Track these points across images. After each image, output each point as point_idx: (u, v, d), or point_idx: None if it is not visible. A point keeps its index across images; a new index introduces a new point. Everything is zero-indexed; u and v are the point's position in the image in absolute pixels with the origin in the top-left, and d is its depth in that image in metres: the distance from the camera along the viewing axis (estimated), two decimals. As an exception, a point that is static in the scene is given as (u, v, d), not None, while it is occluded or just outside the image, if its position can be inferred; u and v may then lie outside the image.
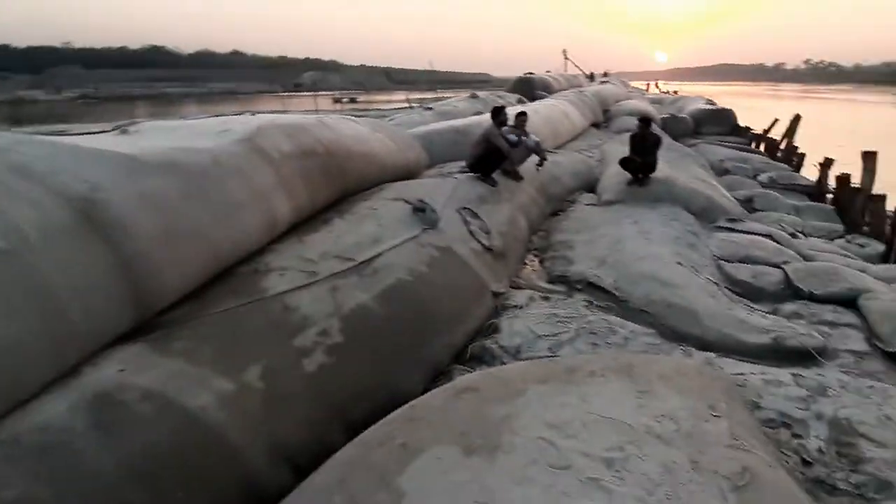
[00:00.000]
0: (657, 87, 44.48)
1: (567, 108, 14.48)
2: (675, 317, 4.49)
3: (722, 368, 3.82)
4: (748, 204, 9.45)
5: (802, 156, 14.59)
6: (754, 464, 2.44)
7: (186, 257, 3.04)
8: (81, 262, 2.51)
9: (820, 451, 3.01)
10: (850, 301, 4.89)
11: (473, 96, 15.50)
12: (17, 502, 1.91)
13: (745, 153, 14.83)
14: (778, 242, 6.64)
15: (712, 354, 4.03)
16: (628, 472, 2.31)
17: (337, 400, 3.03)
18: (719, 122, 18.75)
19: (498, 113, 6.99)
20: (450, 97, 19.04)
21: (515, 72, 23.45)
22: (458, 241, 4.93)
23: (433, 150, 7.94)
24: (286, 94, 74.55)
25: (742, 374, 3.74)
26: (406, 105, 22.34)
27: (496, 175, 6.72)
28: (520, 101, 15.13)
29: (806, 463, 2.93)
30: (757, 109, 30.95)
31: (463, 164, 6.94)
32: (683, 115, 18.92)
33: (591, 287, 5.11)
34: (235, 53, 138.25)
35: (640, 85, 43.04)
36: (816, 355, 4.05)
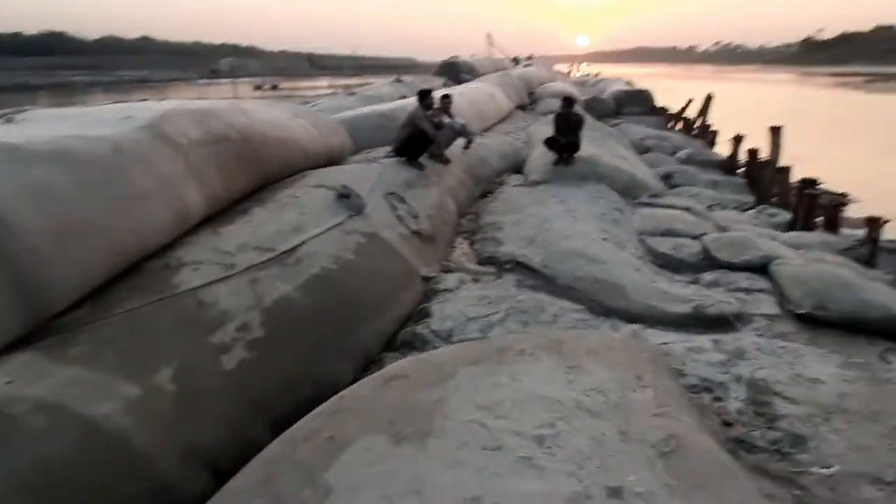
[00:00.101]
0: (579, 69, 45.54)
1: (493, 91, 14.54)
2: (602, 291, 4.57)
3: (648, 339, 3.92)
4: (668, 180, 9.82)
5: (715, 133, 15.30)
6: (679, 430, 2.49)
7: (84, 254, 2.79)
8: (-45, 265, 2.24)
9: (739, 411, 3.13)
10: (762, 268, 5.14)
11: (398, 80, 15.31)
12: None
13: (663, 132, 15.43)
14: (696, 215, 6.92)
15: (638, 326, 4.14)
16: (559, 447, 2.30)
17: (260, 396, 2.88)
18: (639, 103, 19.41)
19: (424, 96, 6.89)
20: (376, 83, 18.73)
21: (441, 56, 23.32)
22: (385, 227, 4.82)
23: (358, 135, 7.75)
24: (203, 81, 71.18)
25: (666, 343, 3.85)
26: (331, 91, 21.82)
27: (423, 159, 6.63)
28: (445, 85, 15.05)
29: (727, 424, 3.03)
30: (673, 90, 32.26)
31: (389, 148, 6.80)
32: (605, 97, 19.46)
33: (521, 267, 5.13)
34: (145, 39, 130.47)
35: (564, 68, 43.90)
36: (734, 321, 4.23)
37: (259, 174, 4.70)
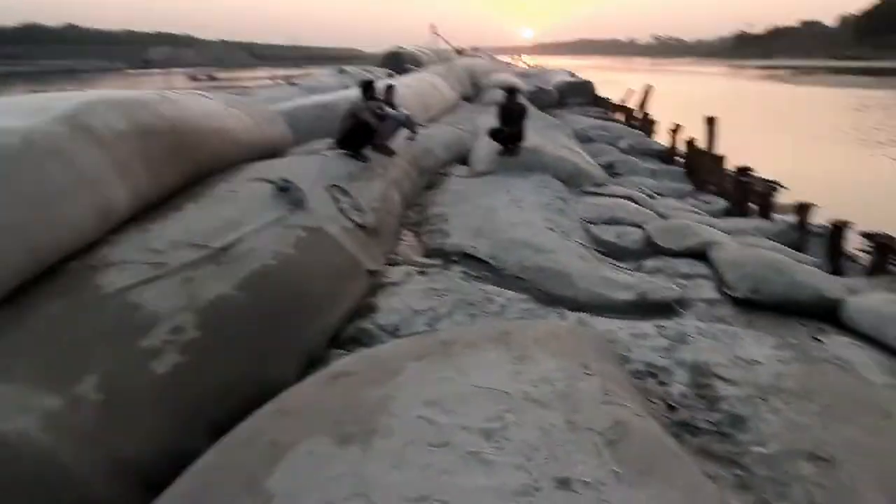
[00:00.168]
0: (523, 61, 45.97)
1: (437, 82, 14.45)
2: (549, 281, 4.59)
3: (594, 327, 3.96)
4: (610, 169, 10.01)
5: (654, 122, 15.71)
6: (625, 416, 2.50)
7: (-8, 255, 2.56)
8: None
9: (683, 395, 3.19)
10: (701, 254, 5.29)
11: (341, 71, 15.00)
12: None
13: (605, 122, 15.74)
14: (638, 204, 7.07)
15: (584, 314, 4.17)
16: (507, 440, 2.27)
17: (196, 402, 2.73)
18: (581, 94, 19.76)
19: (367, 87, 6.74)
20: (318, 73, 18.31)
21: (385, 47, 23.02)
22: (328, 221, 4.67)
23: (299, 126, 7.52)
24: (134, 71, 67.88)
25: (612, 330, 3.89)
26: (271, 82, 21.21)
27: (367, 150, 6.49)
28: (389, 76, 14.84)
29: (671, 408, 3.08)
30: (614, 81, 32.98)
31: (331, 140, 6.63)
32: (549, 87, 19.68)
33: (468, 258, 5.10)
34: (71, 27, 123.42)
35: (508, 59, 44.18)
36: (676, 306, 4.32)
37: (192, 168, 4.47)
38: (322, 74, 15.47)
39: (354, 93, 7.74)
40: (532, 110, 11.21)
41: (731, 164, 9.56)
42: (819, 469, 2.47)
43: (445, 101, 13.89)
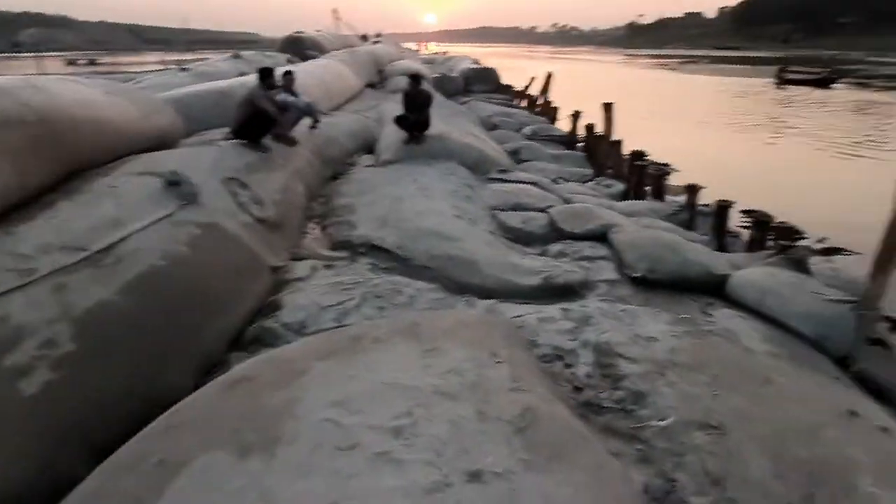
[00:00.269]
0: (428, 48, 45.89)
1: (341, 69, 14.09)
2: (457, 269, 4.59)
3: (502, 313, 4.00)
4: (515, 155, 10.20)
5: (556, 109, 16.19)
6: (534, 403, 2.53)
7: None
8: None
9: (588, 375, 3.28)
10: (602, 236, 5.49)
11: (237, 56, 14.25)
12: None
13: (509, 109, 16.03)
14: (543, 189, 7.24)
15: (493, 301, 4.20)
16: (417, 436, 2.23)
17: (75, 422, 2.48)
18: (486, 81, 19.99)
19: (265, 74, 6.41)
20: (212, 58, 17.31)
21: (285, 31, 22.14)
22: (225, 216, 4.41)
23: (191, 115, 7.06)
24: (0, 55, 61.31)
25: (520, 315, 3.95)
26: (160, 67, 19.82)
27: (267, 140, 6.20)
28: (289, 62, 14.30)
29: (577, 389, 3.16)
30: (517, 69, 33.68)
31: (227, 130, 6.26)
32: (454, 75, 19.77)
33: (375, 249, 5.00)
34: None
35: (413, 46, 43.98)
36: (580, 289, 4.46)
37: (65, 161, 4.06)
38: (216, 60, 14.64)
39: (252, 79, 7.36)
40: (437, 97, 11.20)
41: (627, 149, 10.03)
42: (710, 438, 2.62)
43: (350, 88, 13.58)
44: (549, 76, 18.19)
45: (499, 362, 2.83)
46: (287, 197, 5.51)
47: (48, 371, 2.49)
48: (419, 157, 7.51)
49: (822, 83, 31.97)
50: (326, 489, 1.97)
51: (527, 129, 13.01)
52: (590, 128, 11.50)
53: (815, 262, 5.32)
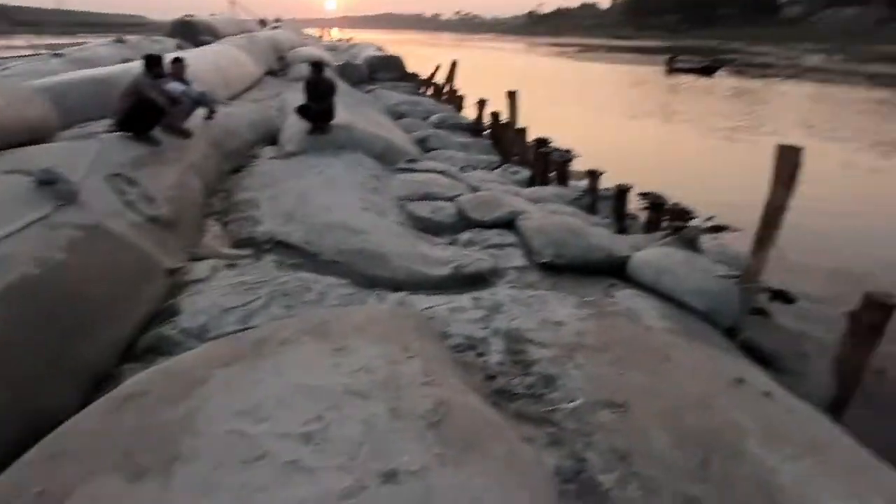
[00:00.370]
0: (330, 34, 44.80)
1: (238, 55, 13.42)
2: (367, 262, 4.51)
3: (414, 306, 3.97)
4: (423, 144, 10.18)
5: (462, 97, 16.32)
6: (447, 395, 2.53)
7: None
8: None
9: (500, 363, 3.33)
10: (510, 223, 5.59)
11: (120, 41, 13.20)
12: None
13: (416, 97, 15.97)
14: (451, 178, 7.26)
15: (404, 293, 4.16)
16: (329, 441, 2.16)
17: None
18: (391, 69, 19.78)
19: (153, 62, 5.95)
20: (92, 42, 15.93)
21: (175, 14, 20.79)
22: (110, 216, 4.07)
23: (67, 106, 6.46)
24: None
25: (431, 307, 3.94)
26: (30, 52, 18.00)
27: (157, 133, 5.78)
28: (179, 48, 13.45)
29: (490, 377, 3.19)
30: (422, 56, 33.63)
31: (110, 121, 5.78)
32: (358, 62, 19.40)
33: (281, 245, 4.81)
34: None
35: (315, 32, 42.69)
36: (490, 277, 4.52)
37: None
38: (96, 45, 13.49)
39: (137, 67, 6.83)
40: (342, 86, 10.94)
41: (532, 136, 10.27)
42: (616, 415, 2.73)
43: (248, 75, 12.97)
44: (453, 64, 18.27)
45: (410, 357, 2.80)
46: (182, 193, 5.17)
47: None
48: (324, 148, 7.30)
49: (707, 71, 34.32)
50: (232, 506, 1.87)
51: (434, 118, 13.02)
52: (495, 116, 11.68)
53: (705, 240, 5.70)
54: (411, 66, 21.36)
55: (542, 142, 8.99)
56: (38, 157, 4.37)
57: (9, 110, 4.92)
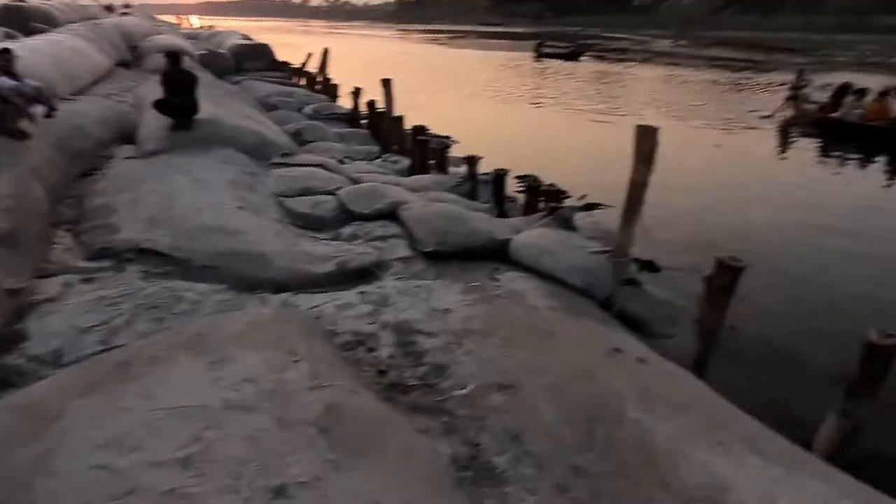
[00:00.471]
0: (190, 21, 41.88)
1: (81, 45, 12.08)
2: (245, 265, 4.27)
3: (299, 306, 3.83)
4: (298, 137, 9.81)
5: (336, 86, 15.93)
6: (337, 398, 2.46)
7: None
8: None
9: (391, 357, 3.30)
10: (392, 214, 5.54)
11: (-68, 30, 11.41)
12: None
13: (288, 87, 15.35)
14: (330, 171, 7.06)
15: (288, 294, 4.00)
16: (210, 463, 2.01)
17: None
18: (259, 58, 18.80)
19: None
20: None
21: (0, -1, 18.34)
22: (-71, 235, 3.52)
23: None
24: None
25: (317, 305, 3.82)
26: None
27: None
28: (8, 37, 11.88)
29: (381, 372, 3.15)
30: (292, 44, 32.44)
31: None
32: (223, 51, 18.27)
33: (146, 254, 4.41)
34: None
35: (171, 19, 39.66)
36: (375, 270, 4.45)
37: None
38: None
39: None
40: (205, 77, 10.26)
41: (410, 124, 10.25)
42: (506, 397, 2.80)
43: (95, 67, 11.74)
44: (325, 52, 17.77)
45: (297, 361, 2.69)
46: (20, 203, 4.58)
47: None
48: (190, 146, 6.79)
49: (572, 56, 36.18)
50: (101, 551, 1.68)
51: (308, 109, 12.59)
52: (371, 104, 11.52)
53: (579, 219, 6.01)
54: (281, 55, 20.48)
55: (419, 130, 8.99)
56: None
57: None
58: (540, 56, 37.18)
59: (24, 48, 7.86)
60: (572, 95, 20.77)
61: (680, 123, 15.21)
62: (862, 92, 14.07)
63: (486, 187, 7.24)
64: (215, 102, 8.31)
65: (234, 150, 6.91)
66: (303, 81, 17.89)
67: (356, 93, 12.68)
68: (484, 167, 7.45)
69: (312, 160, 7.44)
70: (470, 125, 14.30)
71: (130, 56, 15.43)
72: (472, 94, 20.75)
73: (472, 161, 7.29)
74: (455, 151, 9.48)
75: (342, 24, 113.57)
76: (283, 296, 3.98)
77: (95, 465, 1.99)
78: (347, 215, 5.58)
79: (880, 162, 11.89)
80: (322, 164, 7.26)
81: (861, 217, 8.33)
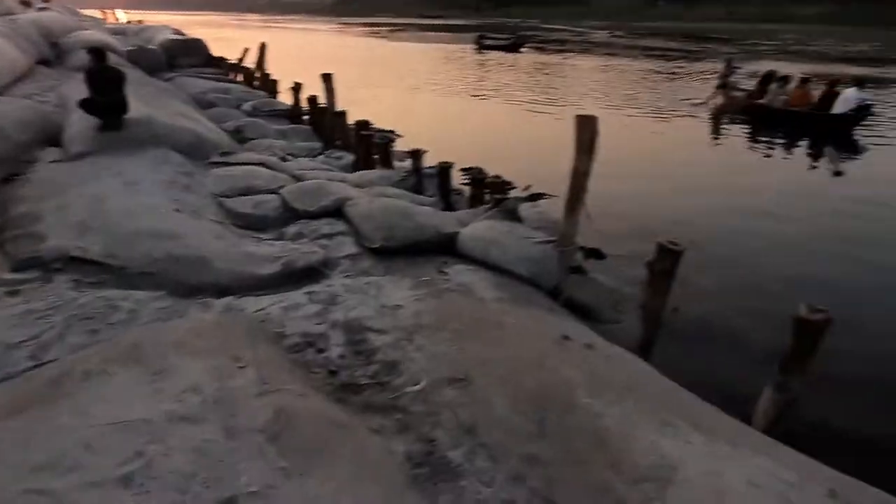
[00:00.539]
0: (116, 16, 39.94)
1: (-5, 42, 11.34)
2: (185, 269, 4.11)
3: (243, 309, 3.72)
4: (238, 134, 9.54)
5: (276, 82, 15.54)
6: (286, 402, 2.40)
7: None
8: None
9: (341, 356, 3.24)
10: (338, 211, 5.46)
11: None
12: None
13: (225, 84, 14.87)
14: (272, 169, 6.89)
15: (231, 298, 3.88)
16: (154, 479, 1.93)
17: None
18: (193, 53, 18.13)
19: None
20: None
21: None
22: None
23: None
24: None
25: (263, 308, 3.72)
26: None
27: None
28: (-86, 34, 11.03)
29: (332, 373, 3.10)
30: (228, 39, 31.47)
31: None
32: (153, 47, 17.50)
33: (76, 262, 4.19)
34: None
35: (96, 14, 37.70)
36: (322, 269, 4.38)
37: None
38: None
39: None
40: (135, 74, 9.83)
41: (353, 119, 10.11)
42: (459, 390, 2.80)
43: (11, 65, 11.02)
44: (262, 46, 17.29)
45: (242, 367, 2.62)
46: (-67, 213, 4.27)
47: None
48: (120, 146, 6.48)
49: (512, 48, 36.52)
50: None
51: (247, 105, 12.23)
52: (313, 100, 11.30)
53: (525, 209, 6.08)
54: (217, 51, 19.82)
55: (362, 124, 8.87)
56: None
57: None
58: (482, 48, 37.37)
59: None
60: (514, 87, 20.97)
61: (618, 112, 15.60)
62: (785, 79, 14.80)
63: (432, 181, 7.22)
64: (146, 101, 7.96)
65: (169, 150, 6.64)
66: (240, 77, 17.39)
67: (297, 88, 12.41)
68: (429, 161, 7.43)
69: (253, 158, 7.25)
70: (413, 119, 14.24)
71: (52, 53, 14.59)
72: (414, 88, 20.66)
73: (416, 155, 7.26)
74: (399, 145, 9.42)
75: (279, 17, 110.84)
76: (227, 299, 3.86)
77: (30, 489, 1.88)
78: (291, 214, 5.46)
79: (803, 146, 12.56)
80: (263, 163, 7.07)
81: (787, 199, 8.77)
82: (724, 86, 16.21)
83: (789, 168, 11.25)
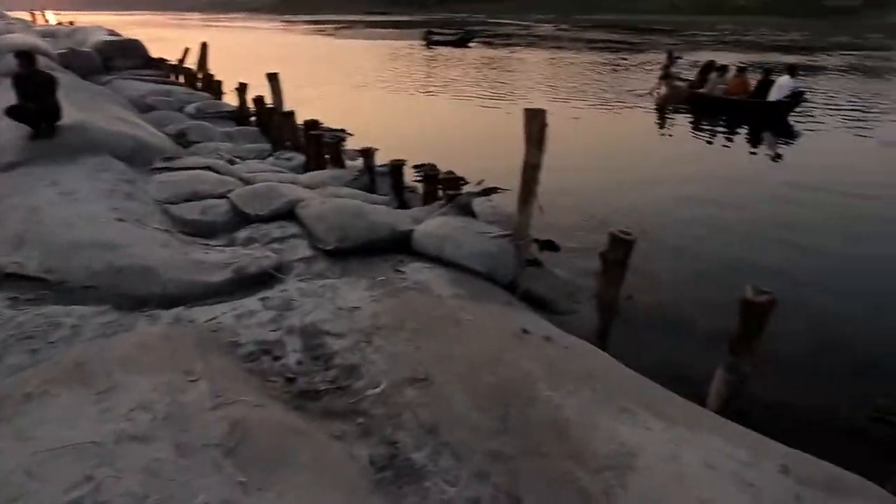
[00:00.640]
0: (44, 18, 38.07)
1: (-89, 47, 10.65)
2: (129, 281, 3.95)
3: (194, 319, 3.60)
4: (183, 138, 9.24)
5: (220, 83, 15.12)
6: (242, 414, 2.34)
7: None
8: None
9: (299, 363, 3.18)
10: (289, 214, 5.35)
11: None
12: None
13: (166, 86, 14.37)
14: (219, 172, 6.71)
15: (181, 308, 3.75)
16: (105, 503, 1.85)
17: None
18: (130, 55, 17.43)
19: None
20: None
21: None
22: None
23: None
24: None
25: (215, 317, 3.61)
26: None
27: None
28: None
29: (290, 380, 3.03)
30: (167, 39, 30.44)
31: None
32: (86, 49, 16.76)
33: (12, 278, 3.98)
34: None
35: (24, 15, 35.83)
36: (275, 273, 4.28)
37: None
38: None
39: None
40: (67, 78, 9.38)
41: (301, 119, 9.93)
42: (419, 390, 2.79)
43: (-68, 72, 10.39)
44: (204, 46, 16.80)
45: (194, 380, 2.54)
46: None
47: None
48: (55, 155, 6.18)
49: (460, 43, 36.58)
50: None
51: (190, 108, 11.86)
52: (259, 100, 11.04)
53: (478, 204, 6.09)
54: (156, 52, 19.12)
55: (312, 124, 8.72)
56: None
57: None
58: (430, 44, 37.30)
59: None
60: (463, 82, 21.02)
61: (566, 105, 15.83)
62: (724, 69, 15.32)
63: (385, 179, 7.17)
64: (81, 106, 7.62)
65: (108, 157, 6.38)
66: (182, 79, 16.83)
67: (242, 89, 12.10)
68: (381, 159, 7.37)
69: (199, 162, 7.04)
70: (364, 117, 14.09)
71: (-25, 58, 13.77)
72: (363, 85, 20.45)
73: (368, 153, 7.19)
74: (350, 144, 9.32)
75: (220, 16, 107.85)
76: (176, 310, 3.72)
77: (-36, 525, 1.77)
78: (242, 218, 5.32)
79: (742, 133, 13.04)
80: (210, 167, 6.88)
81: (729, 186, 9.08)
82: (666, 76, 16.65)
83: (731, 155, 11.66)
